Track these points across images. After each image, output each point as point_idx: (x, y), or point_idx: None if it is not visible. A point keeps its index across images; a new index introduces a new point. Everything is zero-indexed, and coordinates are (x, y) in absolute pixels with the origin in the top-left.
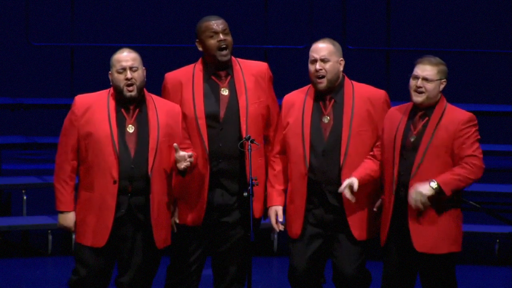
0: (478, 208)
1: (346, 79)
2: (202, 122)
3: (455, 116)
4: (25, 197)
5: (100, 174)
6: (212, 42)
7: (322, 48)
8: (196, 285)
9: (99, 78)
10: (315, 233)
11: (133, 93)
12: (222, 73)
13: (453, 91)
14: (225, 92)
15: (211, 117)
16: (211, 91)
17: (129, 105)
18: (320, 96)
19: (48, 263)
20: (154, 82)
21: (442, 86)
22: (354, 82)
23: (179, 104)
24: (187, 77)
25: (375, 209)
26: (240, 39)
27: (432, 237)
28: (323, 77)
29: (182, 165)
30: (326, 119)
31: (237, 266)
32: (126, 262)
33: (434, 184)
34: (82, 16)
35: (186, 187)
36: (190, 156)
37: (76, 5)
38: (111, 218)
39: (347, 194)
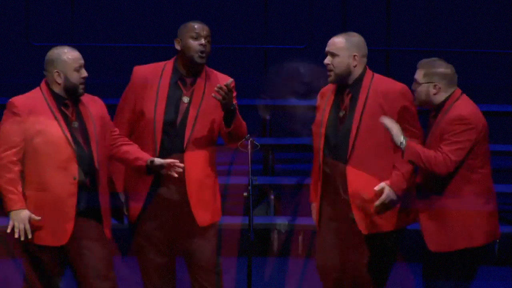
0: None
1: (368, 72)
2: (158, 126)
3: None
4: None
5: (55, 172)
6: (194, 43)
7: (332, 42)
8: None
9: (99, 78)
10: (330, 227)
11: (84, 90)
12: (188, 80)
13: None
14: (185, 100)
15: (168, 124)
16: (174, 97)
17: (67, 102)
18: (340, 91)
19: None
20: None
21: (433, 91)
22: (376, 75)
23: (140, 100)
24: (154, 74)
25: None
26: (240, 39)
27: (445, 235)
28: (330, 70)
29: (174, 173)
30: (342, 113)
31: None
32: (88, 258)
33: None
34: (82, 16)
35: (130, 183)
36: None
37: (76, 5)
38: (72, 215)
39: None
